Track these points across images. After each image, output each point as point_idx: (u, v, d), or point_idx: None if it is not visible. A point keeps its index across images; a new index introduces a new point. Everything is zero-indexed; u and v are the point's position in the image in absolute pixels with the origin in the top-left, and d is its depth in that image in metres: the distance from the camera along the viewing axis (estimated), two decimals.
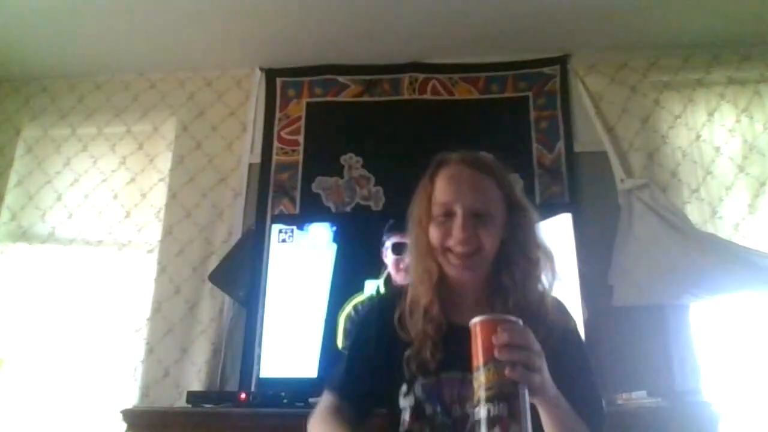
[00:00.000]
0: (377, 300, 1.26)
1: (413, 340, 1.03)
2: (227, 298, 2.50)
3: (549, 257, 1.07)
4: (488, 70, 2.79)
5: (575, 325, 1.11)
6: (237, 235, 2.60)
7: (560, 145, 2.63)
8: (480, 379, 0.76)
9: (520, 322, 0.80)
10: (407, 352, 1.03)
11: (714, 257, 2.22)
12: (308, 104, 2.83)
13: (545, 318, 0.98)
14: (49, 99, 2.99)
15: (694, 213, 2.41)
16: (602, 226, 2.44)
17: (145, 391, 2.38)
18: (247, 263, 2.53)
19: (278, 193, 2.68)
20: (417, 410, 1.00)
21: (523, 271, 1.03)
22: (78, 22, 2.60)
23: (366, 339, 1.14)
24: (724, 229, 2.37)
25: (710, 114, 2.57)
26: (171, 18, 2.56)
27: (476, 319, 0.79)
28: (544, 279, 1.05)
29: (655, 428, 1.81)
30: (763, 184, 2.42)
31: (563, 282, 1.09)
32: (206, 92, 2.90)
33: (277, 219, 2.56)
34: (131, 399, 2.35)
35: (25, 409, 2.45)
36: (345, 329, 2.16)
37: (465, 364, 0.92)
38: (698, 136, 2.54)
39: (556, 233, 2.34)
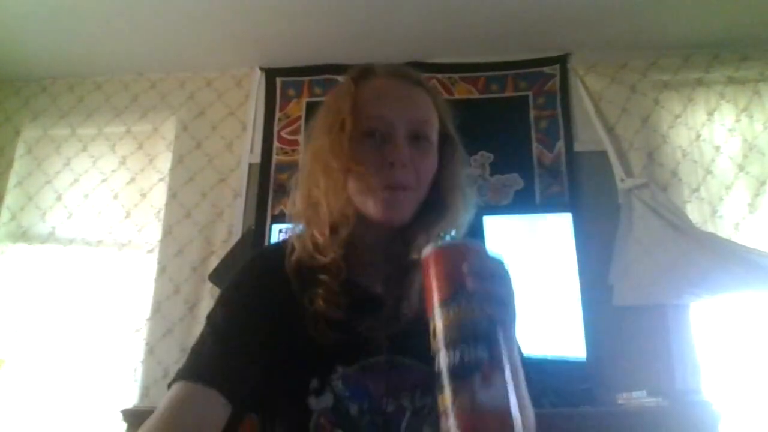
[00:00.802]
0: (257, 256, 0.88)
1: (312, 302, 0.75)
2: None
3: (467, 207, 0.83)
4: (488, 69, 2.79)
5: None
6: (237, 235, 2.60)
7: (560, 144, 2.63)
8: (442, 318, 0.56)
9: (488, 249, 0.61)
10: (312, 326, 0.74)
11: (714, 257, 2.22)
12: (308, 104, 2.83)
13: None
14: (49, 99, 2.99)
15: (694, 212, 2.41)
16: (602, 226, 2.44)
17: (145, 392, 2.39)
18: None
19: (278, 192, 2.68)
20: (337, 411, 0.72)
21: (441, 224, 0.79)
22: (78, 23, 2.60)
23: (246, 309, 0.77)
24: (724, 228, 2.36)
25: (710, 113, 2.57)
26: (171, 18, 2.55)
27: (432, 246, 0.60)
28: (456, 227, 0.81)
29: (655, 428, 1.81)
30: (763, 184, 2.42)
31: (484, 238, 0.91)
32: (206, 92, 2.90)
33: (277, 219, 2.56)
34: (131, 399, 2.35)
35: (25, 409, 2.45)
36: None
37: (388, 346, 0.75)
38: (698, 136, 2.54)
39: (556, 233, 2.35)
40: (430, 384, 0.59)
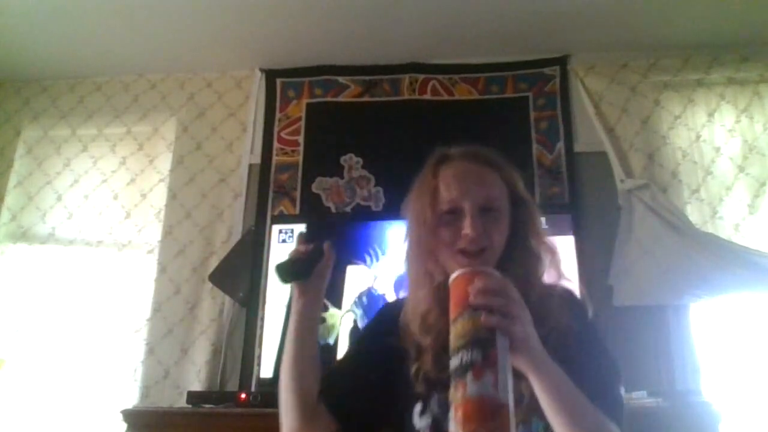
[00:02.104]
0: (382, 310, 1.15)
1: (412, 353, 0.97)
2: (227, 299, 2.50)
3: (553, 253, 1.02)
4: (488, 70, 2.79)
5: (587, 319, 1.02)
6: (237, 236, 2.60)
7: (560, 145, 2.63)
8: (453, 331, 0.70)
9: (499, 274, 0.75)
10: (413, 367, 0.96)
11: (714, 257, 2.22)
12: (308, 105, 2.84)
13: (549, 315, 0.92)
14: (50, 100, 3.00)
15: (694, 213, 2.41)
16: (602, 226, 2.44)
17: (146, 392, 2.38)
18: (247, 264, 2.53)
19: (278, 193, 2.68)
20: (435, 429, 0.92)
21: (526, 267, 0.97)
22: (78, 23, 2.60)
23: (370, 351, 1.06)
24: (724, 229, 2.37)
25: (710, 114, 2.57)
26: (171, 19, 2.56)
27: (453, 275, 0.74)
28: (548, 276, 1.00)
29: (655, 428, 1.80)
30: (763, 184, 2.42)
31: (568, 279, 1.03)
32: (206, 93, 2.91)
33: (277, 220, 2.56)
34: (131, 399, 2.35)
35: (25, 409, 2.45)
36: (349, 332, 2.16)
37: None
38: (698, 137, 2.54)
39: (556, 233, 2.35)
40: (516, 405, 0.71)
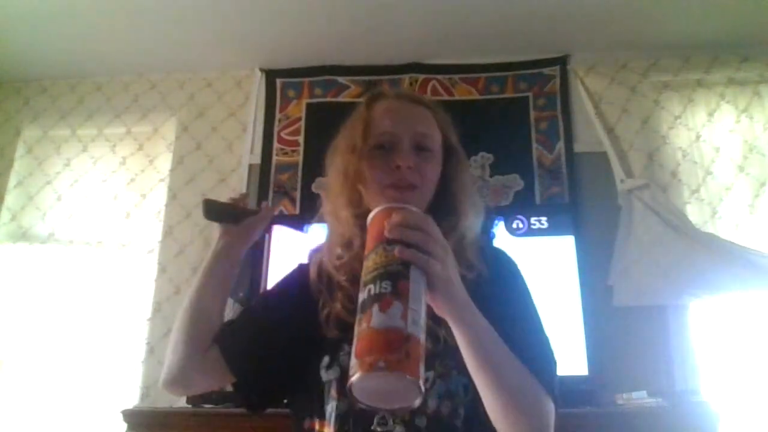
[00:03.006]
0: (295, 267, 1.06)
1: (325, 296, 0.90)
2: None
3: (477, 210, 0.95)
4: (488, 70, 2.79)
5: (514, 269, 0.97)
6: None
7: (560, 145, 2.63)
8: (364, 267, 0.64)
9: (421, 212, 0.69)
10: (324, 312, 0.89)
11: (714, 257, 2.22)
12: (308, 105, 2.84)
13: (476, 260, 0.88)
14: (50, 100, 3.00)
15: (694, 213, 2.41)
16: (602, 226, 2.44)
17: (146, 392, 2.38)
18: (247, 263, 2.53)
19: (278, 193, 2.68)
20: (343, 382, 0.78)
21: (450, 221, 0.89)
22: (78, 23, 2.60)
23: (276, 303, 0.99)
24: (724, 229, 2.37)
25: (710, 114, 2.57)
26: (171, 18, 2.56)
27: (373, 211, 0.68)
28: (469, 232, 0.92)
29: (654, 429, 1.81)
30: (763, 184, 2.43)
31: (495, 237, 0.99)
32: (206, 93, 2.91)
33: (277, 219, 2.56)
34: (132, 399, 2.35)
35: (24, 409, 2.45)
36: None
37: None
38: (698, 137, 2.54)
39: (556, 233, 2.35)
40: (429, 360, 0.65)
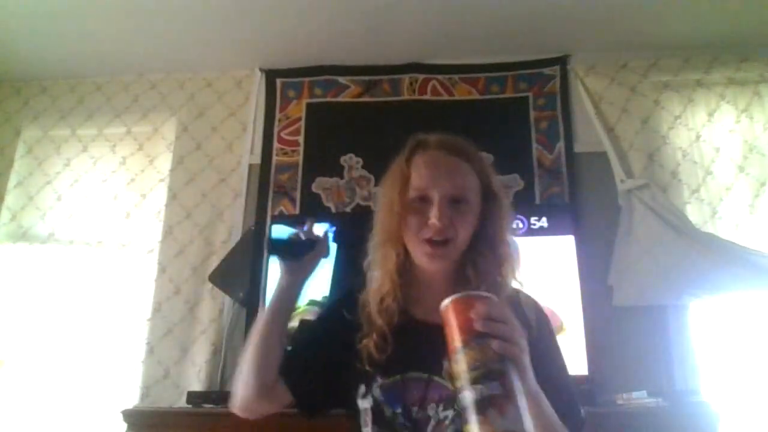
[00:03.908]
0: (344, 291, 1.16)
1: (365, 329, 0.99)
2: (227, 299, 2.50)
3: (515, 254, 1.01)
4: (488, 70, 2.79)
5: (547, 324, 1.05)
6: (237, 236, 2.60)
7: (560, 145, 2.63)
8: (462, 360, 0.67)
9: (495, 297, 0.72)
10: (362, 343, 0.98)
11: (714, 257, 2.22)
12: (308, 105, 2.84)
13: (522, 323, 0.91)
14: (50, 100, 3.00)
15: (694, 213, 2.41)
16: (602, 226, 2.44)
17: (146, 392, 2.39)
18: (247, 264, 2.53)
19: (278, 193, 2.68)
20: (376, 412, 0.95)
21: (488, 264, 0.97)
22: (78, 23, 2.60)
23: (329, 326, 1.10)
24: (724, 229, 2.37)
25: (710, 114, 2.57)
26: (171, 18, 2.56)
27: (448, 300, 0.71)
28: (508, 275, 0.99)
29: (655, 428, 1.81)
30: (763, 184, 2.43)
31: (521, 283, 1.03)
32: (206, 93, 2.91)
33: (277, 220, 2.56)
34: (131, 399, 2.35)
35: (24, 409, 2.45)
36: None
37: (429, 365, 0.93)
38: (698, 137, 2.54)
39: (556, 233, 2.35)
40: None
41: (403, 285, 0.99)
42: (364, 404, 0.96)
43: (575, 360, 2.15)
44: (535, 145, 2.65)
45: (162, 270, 2.58)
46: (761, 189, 2.42)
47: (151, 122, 2.89)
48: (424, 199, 0.96)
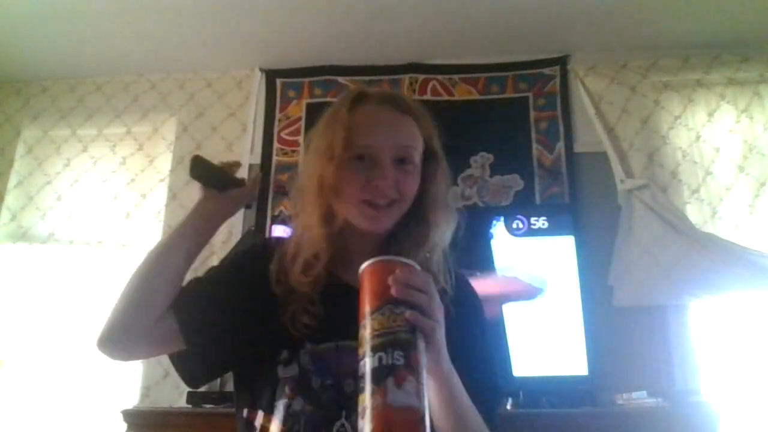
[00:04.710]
0: (251, 247, 1.05)
1: (290, 297, 0.87)
2: None
3: (449, 222, 0.93)
4: (488, 70, 2.79)
5: (478, 303, 0.99)
6: (237, 236, 2.59)
7: (560, 145, 2.63)
8: (368, 326, 0.62)
9: (418, 266, 0.68)
10: (287, 312, 0.87)
11: (714, 257, 2.22)
12: (308, 105, 2.84)
13: (436, 280, 0.84)
14: (50, 100, 3.00)
15: (694, 213, 2.41)
16: (602, 226, 2.44)
17: (146, 392, 2.39)
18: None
19: (278, 193, 2.68)
20: (301, 382, 0.83)
21: (422, 228, 0.91)
22: (78, 23, 2.60)
23: (230, 279, 0.96)
24: (724, 229, 2.37)
25: (710, 114, 2.57)
26: (171, 18, 2.56)
27: (369, 261, 0.67)
28: (440, 241, 0.91)
29: (654, 429, 1.81)
30: (763, 184, 2.43)
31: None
32: (206, 93, 2.91)
33: (277, 220, 2.57)
34: (132, 399, 2.35)
35: (24, 409, 2.45)
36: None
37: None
38: (698, 137, 2.54)
39: (556, 233, 2.35)
40: None
41: (329, 244, 0.88)
42: (287, 372, 0.84)
43: (575, 360, 2.15)
44: (535, 145, 2.65)
45: None
46: (761, 189, 2.42)
47: (151, 122, 2.89)
48: (365, 158, 0.87)
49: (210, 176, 0.97)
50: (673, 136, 2.56)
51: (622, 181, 2.47)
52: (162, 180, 2.76)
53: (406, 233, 0.91)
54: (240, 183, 0.99)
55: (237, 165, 1.01)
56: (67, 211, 2.77)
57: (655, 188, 2.41)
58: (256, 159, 2.75)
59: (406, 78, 2.80)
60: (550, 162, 2.61)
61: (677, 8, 2.46)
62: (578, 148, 2.63)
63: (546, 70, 2.76)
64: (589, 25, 2.58)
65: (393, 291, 0.63)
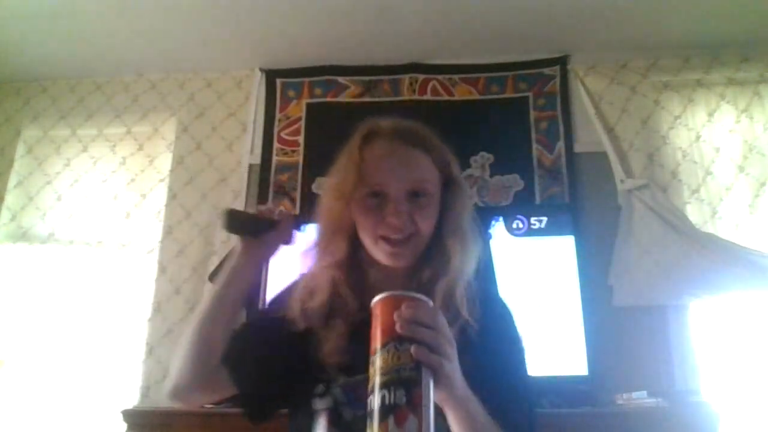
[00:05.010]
0: (274, 299, 1.09)
1: (318, 332, 0.91)
2: None
3: (471, 249, 0.93)
4: (488, 70, 2.79)
5: (507, 326, 0.98)
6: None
7: (560, 145, 2.63)
8: (376, 363, 0.64)
9: (431, 303, 0.69)
10: (322, 348, 0.90)
11: (714, 257, 2.22)
12: (308, 105, 2.84)
13: (457, 315, 0.86)
14: (50, 100, 3.00)
15: (694, 213, 2.41)
16: (602, 226, 2.44)
17: (146, 392, 2.39)
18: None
19: (278, 193, 2.68)
20: (334, 414, 0.87)
21: (442, 260, 0.91)
22: (78, 23, 2.60)
23: (268, 327, 1.00)
24: (724, 229, 2.37)
25: (710, 114, 2.57)
26: (171, 18, 2.56)
27: (378, 297, 0.68)
28: (459, 274, 0.91)
29: (654, 429, 1.81)
30: (763, 184, 2.42)
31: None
32: (206, 93, 2.91)
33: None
34: (132, 399, 2.35)
35: (24, 409, 2.45)
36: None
37: None
38: (698, 137, 2.54)
39: (556, 233, 2.35)
40: None
41: (356, 280, 0.92)
42: (321, 404, 0.88)
43: (575, 360, 2.15)
44: (535, 145, 2.65)
45: (162, 270, 2.58)
46: (761, 189, 2.42)
47: (151, 122, 2.89)
48: (379, 194, 0.89)
49: (243, 225, 1.00)
50: (673, 136, 2.56)
51: (622, 181, 2.47)
52: (162, 180, 2.76)
53: (426, 264, 0.92)
54: (273, 225, 1.00)
55: (269, 211, 1.03)
56: (67, 211, 2.77)
57: (655, 188, 2.42)
58: (256, 159, 2.75)
59: (406, 78, 2.80)
60: (550, 162, 2.61)
61: (677, 8, 2.46)
62: (578, 148, 2.63)
63: (546, 70, 2.76)
64: (589, 25, 2.58)
65: (397, 327, 0.64)
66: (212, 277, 2.50)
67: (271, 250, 1.01)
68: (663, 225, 2.33)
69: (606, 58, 2.70)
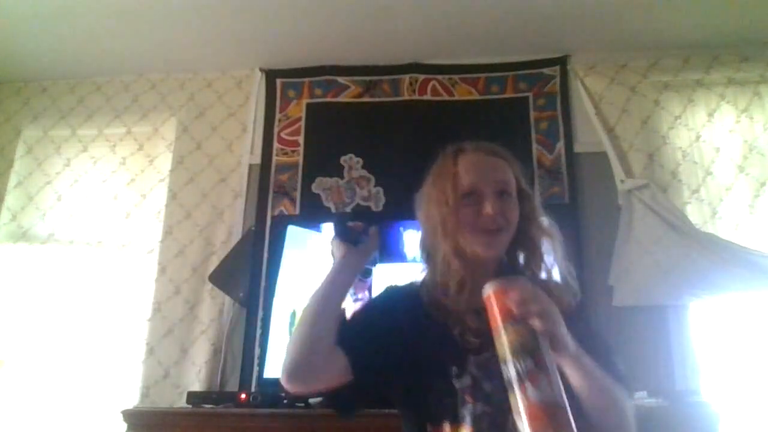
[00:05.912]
0: (396, 289, 1.19)
1: (450, 320, 1.03)
2: (227, 299, 2.50)
3: (552, 237, 1.13)
4: (488, 70, 2.79)
5: (584, 308, 1.14)
6: (237, 236, 2.60)
7: (560, 145, 2.63)
8: (502, 340, 0.79)
9: (530, 283, 0.84)
10: (456, 331, 1.02)
11: (714, 257, 2.22)
12: (308, 105, 2.84)
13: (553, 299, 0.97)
14: (50, 100, 3.00)
15: (694, 213, 2.41)
16: (602, 226, 2.44)
17: (146, 392, 2.39)
18: (247, 264, 2.53)
19: (278, 193, 2.68)
20: (476, 389, 0.99)
21: (531, 252, 1.10)
22: (78, 23, 2.60)
23: (390, 327, 1.07)
24: (724, 229, 2.37)
25: (710, 114, 2.57)
26: (171, 18, 2.56)
27: (488, 288, 0.83)
28: (549, 262, 1.10)
29: (654, 428, 1.80)
30: (763, 184, 2.43)
31: (567, 260, 1.13)
32: (206, 93, 2.91)
33: (277, 220, 2.57)
34: (131, 399, 2.35)
35: (24, 409, 2.45)
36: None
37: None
38: (698, 137, 2.54)
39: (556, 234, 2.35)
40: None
41: (475, 273, 1.04)
42: (462, 383, 0.99)
43: None
44: (535, 145, 2.65)
45: (162, 270, 2.58)
46: (761, 189, 2.42)
47: (151, 122, 2.89)
48: (473, 194, 1.05)
49: (350, 235, 1.16)
50: (673, 136, 2.56)
51: (622, 181, 2.47)
52: (162, 180, 2.76)
53: (516, 253, 1.10)
54: (367, 237, 1.18)
55: (358, 226, 1.19)
56: (67, 211, 2.77)
57: (655, 188, 2.42)
58: (256, 159, 2.75)
59: (406, 78, 2.80)
60: (550, 162, 2.61)
61: (677, 8, 2.46)
62: (578, 148, 2.63)
63: (546, 70, 2.76)
64: (589, 25, 2.58)
65: (514, 309, 0.79)
66: (212, 277, 2.51)
67: (363, 260, 1.17)
68: (663, 225, 2.33)
69: (606, 58, 2.71)
